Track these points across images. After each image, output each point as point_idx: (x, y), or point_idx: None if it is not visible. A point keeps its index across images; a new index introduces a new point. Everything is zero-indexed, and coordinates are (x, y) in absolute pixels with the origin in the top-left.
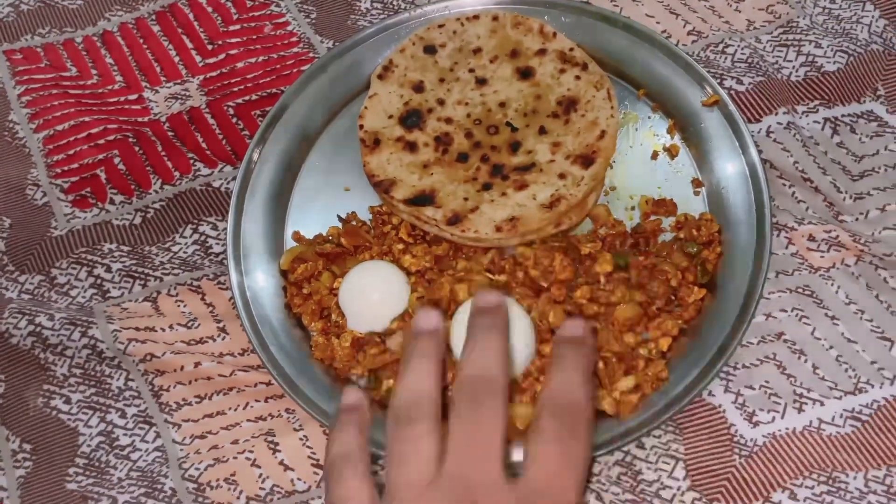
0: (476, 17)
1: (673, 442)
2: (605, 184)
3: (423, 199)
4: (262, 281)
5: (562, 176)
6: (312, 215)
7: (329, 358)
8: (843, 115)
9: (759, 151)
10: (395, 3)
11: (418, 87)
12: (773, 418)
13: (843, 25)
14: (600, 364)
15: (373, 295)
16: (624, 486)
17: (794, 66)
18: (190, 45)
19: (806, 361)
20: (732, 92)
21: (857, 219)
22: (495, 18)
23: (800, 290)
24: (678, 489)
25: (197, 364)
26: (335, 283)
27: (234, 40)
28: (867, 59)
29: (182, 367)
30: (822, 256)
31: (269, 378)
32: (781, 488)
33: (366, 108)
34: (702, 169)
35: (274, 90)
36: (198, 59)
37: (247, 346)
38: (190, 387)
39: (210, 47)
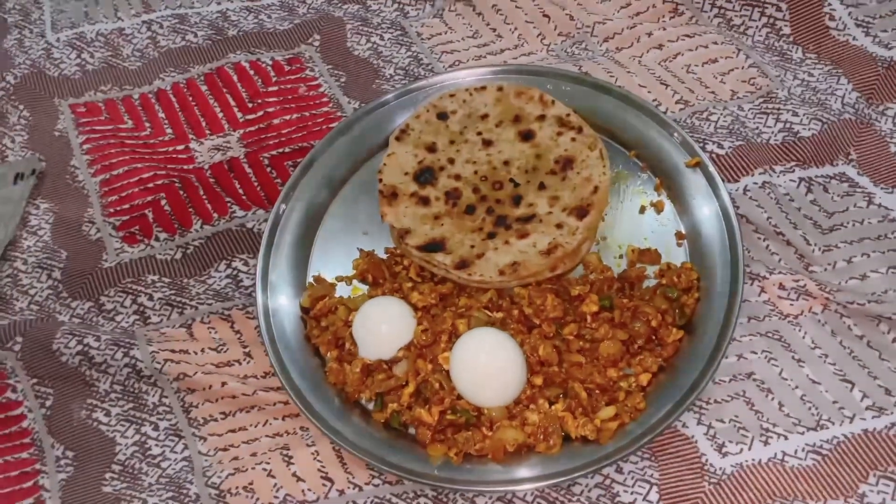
0: (483, 87)
1: (648, 468)
2: (597, 234)
3: (435, 246)
4: (285, 312)
5: (559, 226)
6: (333, 255)
7: (341, 382)
8: (817, 176)
9: (736, 207)
10: (415, 70)
11: (431, 148)
12: (741, 450)
13: (819, 97)
14: (583, 394)
15: (382, 327)
16: None
17: (772, 132)
18: (232, 103)
19: (773, 399)
20: (714, 155)
21: (825, 269)
22: (500, 89)
23: (770, 334)
24: None
25: (224, 384)
26: (350, 317)
27: (271, 99)
28: (840, 126)
29: (210, 387)
30: (791, 304)
31: (287, 398)
32: None
33: (385, 164)
34: (684, 223)
35: (305, 144)
36: (239, 115)
37: (269, 369)
38: (217, 404)
39: (250, 105)
